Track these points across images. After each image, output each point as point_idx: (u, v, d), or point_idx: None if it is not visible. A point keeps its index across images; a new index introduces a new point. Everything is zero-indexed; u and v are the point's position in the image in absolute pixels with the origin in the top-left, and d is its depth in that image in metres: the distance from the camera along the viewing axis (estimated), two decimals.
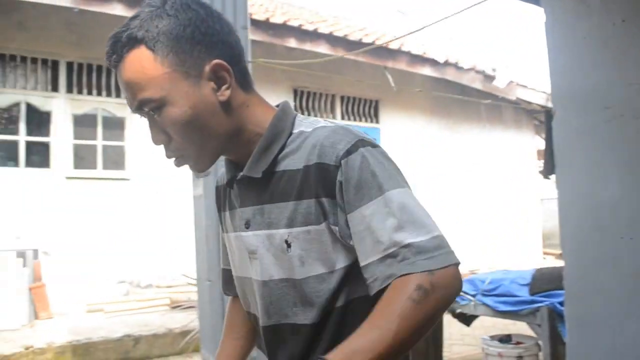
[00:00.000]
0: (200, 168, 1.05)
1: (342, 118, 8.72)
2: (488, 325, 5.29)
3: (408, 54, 8.08)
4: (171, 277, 6.88)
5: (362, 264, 0.95)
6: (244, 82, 1.04)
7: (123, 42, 0.96)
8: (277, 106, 1.10)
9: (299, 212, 1.00)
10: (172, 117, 0.96)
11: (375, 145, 0.99)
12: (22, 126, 6.36)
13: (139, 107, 0.98)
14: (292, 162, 1.02)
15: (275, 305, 1.05)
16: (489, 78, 9.05)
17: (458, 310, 3.89)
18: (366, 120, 8.98)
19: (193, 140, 0.99)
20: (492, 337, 3.72)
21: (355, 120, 8.84)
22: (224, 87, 0.99)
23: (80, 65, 6.63)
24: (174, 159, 1.04)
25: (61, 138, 6.52)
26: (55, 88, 6.54)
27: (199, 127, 0.98)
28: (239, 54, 1.03)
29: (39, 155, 6.55)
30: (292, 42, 7.26)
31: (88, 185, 6.60)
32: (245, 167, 1.05)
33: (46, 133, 6.52)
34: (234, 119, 1.02)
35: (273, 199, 1.03)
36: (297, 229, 1.00)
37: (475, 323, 4.21)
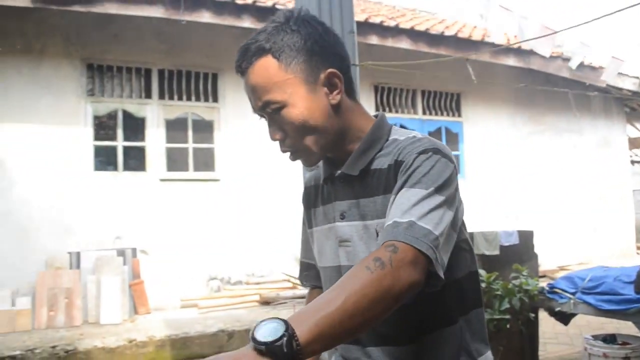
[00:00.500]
0: (311, 162, 1.18)
1: (424, 113, 8.61)
2: (581, 324, 5.11)
3: (492, 44, 7.88)
4: (259, 274, 7.07)
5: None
6: (350, 90, 1.19)
7: (252, 51, 1.11)
8: (375, 116, 1.24)
9: (385, 204, 1.11)
10: (291, 116, 1.10)
11: (449, 159, 1.09)
12: (119, 132, 6.70)
13: (262, 107, 1.12)
14: (382, 162, 1.15)
15: None
16: (578, 66, 8.67)
17: (557, 309, 3.78)
18: (448, 114, 8.83)
19: (307, 137, 1.13)
20: (595, 337, 3.57)
21: (437, 114, 8.71)
22: (335, 92, 1.13)
23: (170, 73, 6.90)
24: (288, 153, 1.18)
25: (155, 142, 6.82)
26: (148, 95, 6.83)
27: (313, 126, 1.11)
28: (347, 65, 1.18)
29: (135, 159, 6.84)
30: (373, 39, 7.25)
31: (180, 187, 6.86)
32: (344, 165, 1.18)
33: (141, 138, 6.82)
34: (341, 121, 1.16)
35: (367, 194, 1.16)
36: (383, 219, 1.09)
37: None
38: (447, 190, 1.04)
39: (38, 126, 6.24)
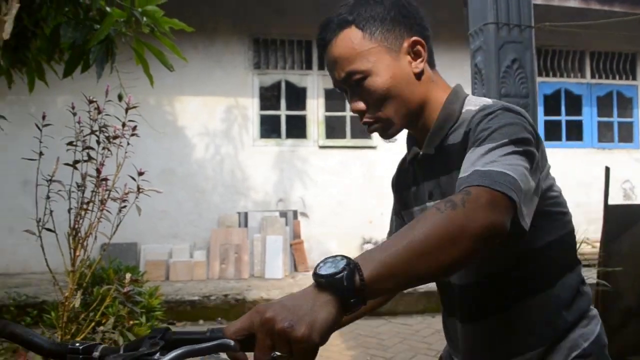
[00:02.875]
0: (389, 134, 1.17)
1: (592, 76, 7.97)
2: None
3: None
4: None
5: None
6: (431, 60, 1.19)
7: (335, 23, 1.12)
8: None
9: None
10: (376, 85, 1.10)
11: (524, 118, 1.03)
12: (282, 102, 7.12)
13: (345, 79, 1.12)
14: (457, 135, 1.12)
15: None
16: None
17: None
18: (620, 77, 8.07)
19: (389, 106, 1.12)
20: None
21: (607, 78, 8.01)
22: (418, 60, 1.14)
23: None
24: (367, 126, 1.17)
25: (315, 111, 7.14)
26: (309, 66, 7.16)
27: (396, 94, 1.11)
28: (429, 35, 1.17)
29: (296, 127, 7.21)
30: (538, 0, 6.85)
31: (338, 153, 7.13)
32: (424, 144, 1.18)
33: (302, 107, 7.19)
34: (422, 91, 1.15)
35: (445, 171, 1.14)
36: None
37: None
38: (524, 145, 0.96)
39: (211, 97, 6.86)
